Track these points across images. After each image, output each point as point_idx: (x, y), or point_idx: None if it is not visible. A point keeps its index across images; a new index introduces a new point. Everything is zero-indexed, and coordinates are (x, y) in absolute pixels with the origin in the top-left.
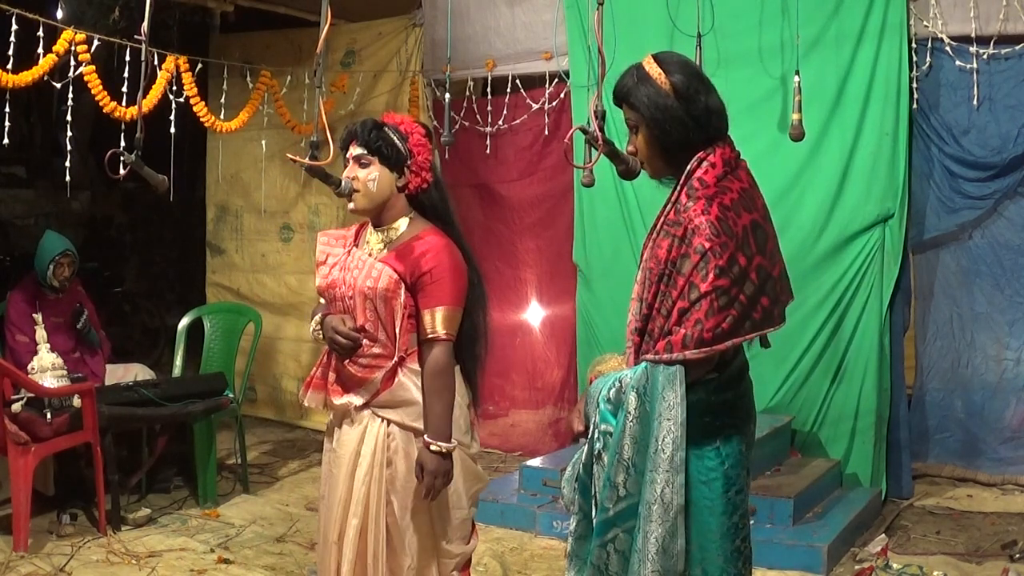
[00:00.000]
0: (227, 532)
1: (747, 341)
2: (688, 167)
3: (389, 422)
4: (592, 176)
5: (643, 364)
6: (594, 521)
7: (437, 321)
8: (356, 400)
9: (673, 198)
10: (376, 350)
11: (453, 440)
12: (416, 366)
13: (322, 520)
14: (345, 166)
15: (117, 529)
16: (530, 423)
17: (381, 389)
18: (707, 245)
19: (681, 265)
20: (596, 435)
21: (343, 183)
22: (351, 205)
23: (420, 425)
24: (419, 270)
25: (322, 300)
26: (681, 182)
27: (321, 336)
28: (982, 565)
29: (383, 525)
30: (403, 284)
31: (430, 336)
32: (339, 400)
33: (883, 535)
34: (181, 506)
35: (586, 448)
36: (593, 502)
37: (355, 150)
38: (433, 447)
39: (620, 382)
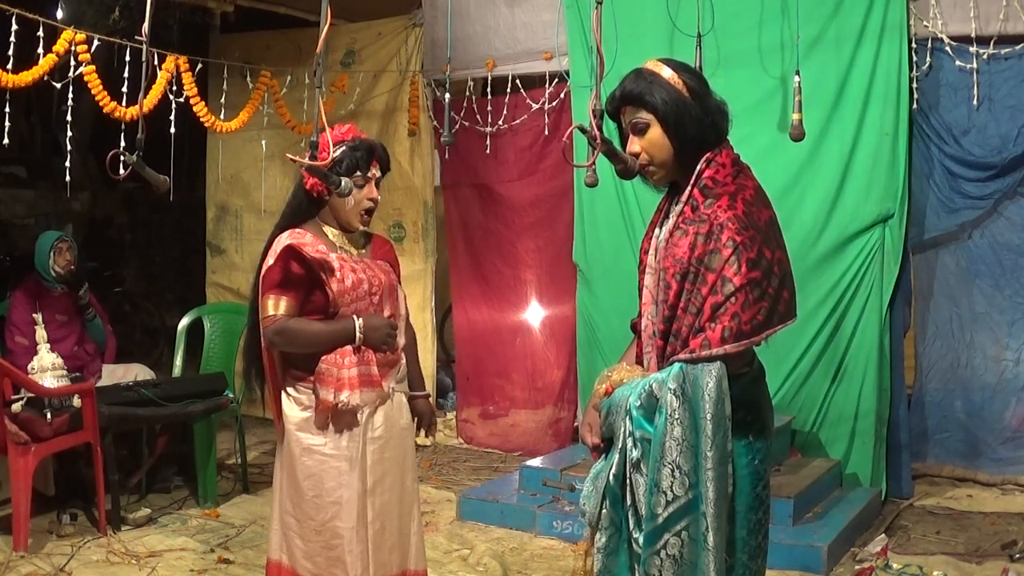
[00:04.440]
0: (227, 532)
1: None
2: (698, 167)
3: (401, 393)
4: (595, 176)
5: (677, 365)
6: (633, 533)
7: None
8: (392, 384)
9: (684, 197)
10: (398, 336)
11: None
12: None
13: (376, 510)
14: (359, 183)
15: (117, 529)
16: (530, 423)
17: (400, 368)
18: (738, 239)
19: (710, 261)
20: (631, 443)
21: (343, 183)
22: (368, 219)
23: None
24: (397, 266)
25: (283, 312)
26: (692, 182)
27: (363, 339)
28: (982, 565)
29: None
30: None
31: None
32: (387, 388)
33: (883, 535)
34: (181, 506)
35: (615, 459)
36: (628, 513)
37: (378, 172)
38: (429, 398)
39: (651, 386)
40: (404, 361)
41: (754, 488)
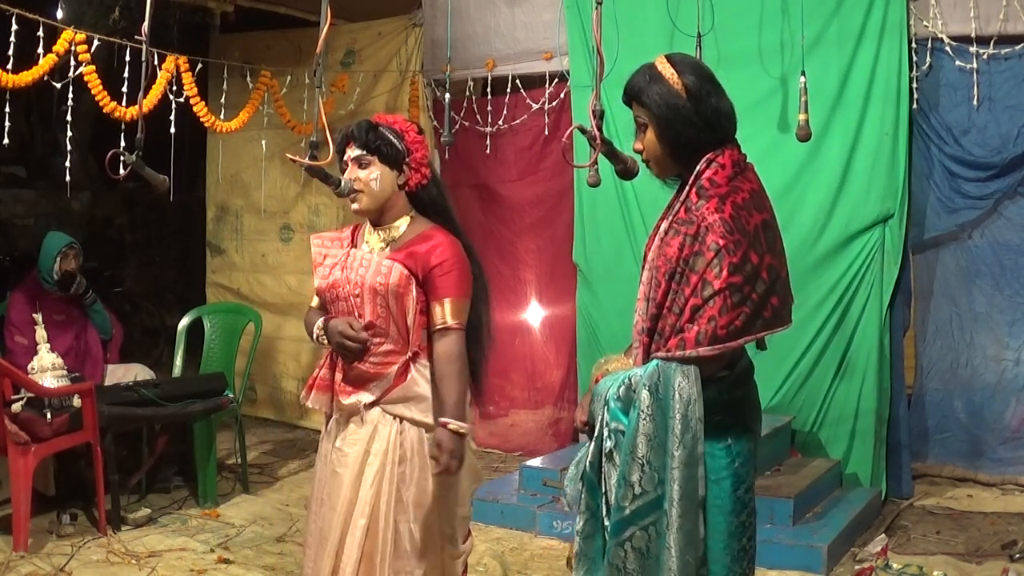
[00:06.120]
0: (227, 532)
1: (756, 340)
2: (697, 168)
3: (400, 419)
4: (598, 176)
5: (654, 362)
6: (605, 520)
7: (447, 312)
8: (367, 398)
9: (682, 198)
10: (387, 346)
11: (468, 424)
12: (427, 361)
13: (319, 522)
14: (343, 170)
15: (117, 529)
16: (530, 423)
17: (394, 385)
18: (721, 242)
19: (694, 263)
20: (606, 433)
21: (343, 183)
22: (355, 205)
23: (430, 420)
24: (428, 264)
25: (313, 304)
26: (691, 182)
27: (325, 341)
28: (982, 565)
29: (392, 525)
30: (414, 280)
31: (441, 327)
32: (348, 400)
33: (883, 535)
34: (181, 506)
35: (592, 446)
36: (602, 500)
37: (353, 151)
38: (451, 426)
39: (630, 380)
40: (408, 382)
41: (735, 491)
